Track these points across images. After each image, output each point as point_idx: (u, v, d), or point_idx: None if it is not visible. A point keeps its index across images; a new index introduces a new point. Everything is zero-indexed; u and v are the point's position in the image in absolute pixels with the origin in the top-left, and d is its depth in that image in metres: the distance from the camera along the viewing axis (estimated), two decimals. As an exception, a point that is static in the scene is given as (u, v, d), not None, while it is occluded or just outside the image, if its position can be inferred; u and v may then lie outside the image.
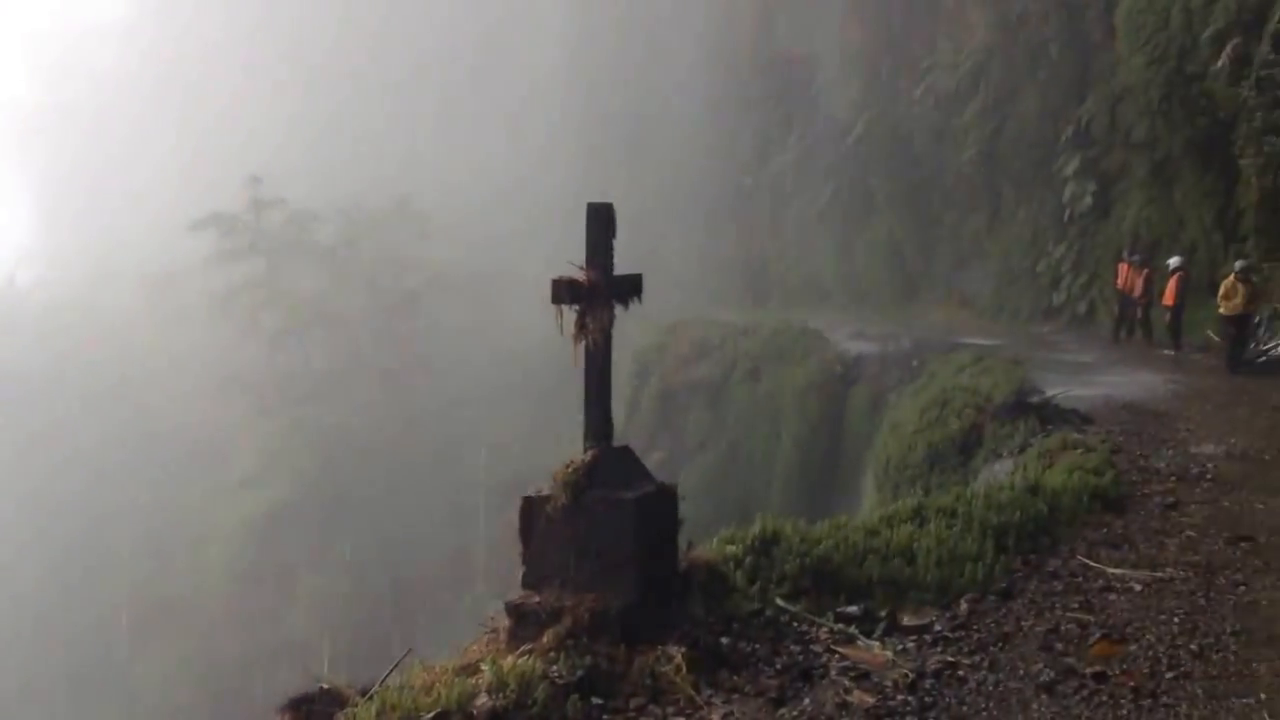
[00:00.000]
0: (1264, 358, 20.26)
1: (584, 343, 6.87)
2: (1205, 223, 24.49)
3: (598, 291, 6.79)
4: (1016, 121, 32.96)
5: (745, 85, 49.25)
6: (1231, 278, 20.13)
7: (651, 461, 32.67)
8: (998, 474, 13.26)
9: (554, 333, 6.88)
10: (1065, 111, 30.80)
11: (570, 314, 6.84)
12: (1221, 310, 20.23)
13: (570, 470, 6.76)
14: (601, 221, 6.85)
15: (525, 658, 6.27)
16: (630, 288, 7.01)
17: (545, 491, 6.84)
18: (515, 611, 6.70)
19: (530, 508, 6.86)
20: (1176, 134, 24.34)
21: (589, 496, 6.69)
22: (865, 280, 43.25)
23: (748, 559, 7.86)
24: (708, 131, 51.23)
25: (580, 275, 6.79)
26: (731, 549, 7.98)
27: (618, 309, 6.94)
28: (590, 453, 6.87)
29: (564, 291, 6.76)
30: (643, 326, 43.13)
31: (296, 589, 48.36)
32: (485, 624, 7.14)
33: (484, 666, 6.25)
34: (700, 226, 51.91)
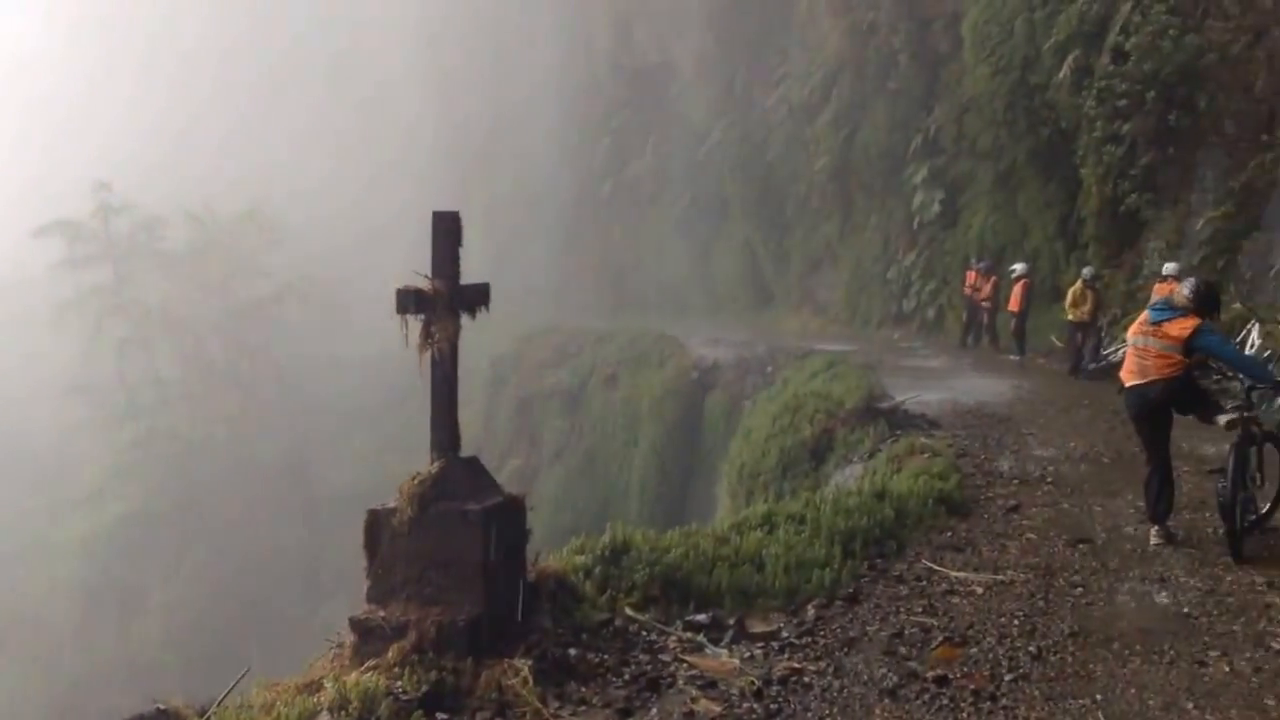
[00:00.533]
0: (1104, 363, 20.74)
1: (430, 353, 6.70)
2: (1048, 231, 25.09)
3: (443, 301, 6.61)
4: (867, 131, 33.43)
5: (602, 92, 49.30)
6: (1080, 284, 20.52)
7: (508, 470, 32.44)
8: (848, 479, 13.27)
9: (408, 341, 6.71)
10: (914, 121, 31.33)
11: (416, 324, 6.67)
12: (1070, 317, 20.65)
13: (416, 482, 6.61)
14: (447, 230, 6.67)
15: (369, 674, 6.15)
16: (478, 297, 6.85)
17: (391, 504, 6.64)
18: (360, 627, 6.53)
19: (376, 521, 6.66)
20: (1020, 144, 24.86)
21: (436, 509, 6.52)
22: (722, 287, 43.53)
23: (597, 569, 7.78)
24: (565, 138, 51.12)
25: (426, 285, 6.61)
26: (581, 559, 7.87)
27: (465, 319, 6.78)
28: (437, 464, 6.70)
29: (409, 301, 6.59)
30: (499, 334, 42.75)
31: (146, 604, 46.64)
32: (331, 640, 6.94)
33: (327, 684, 6.11)
34: (557, 234, 51.70)
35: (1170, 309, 9.23)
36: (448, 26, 59.88)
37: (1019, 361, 23.06)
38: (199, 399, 53.81)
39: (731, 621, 7.46)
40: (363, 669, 6.24)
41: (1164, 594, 7.87)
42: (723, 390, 28.80)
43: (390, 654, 6.28)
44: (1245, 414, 9.26)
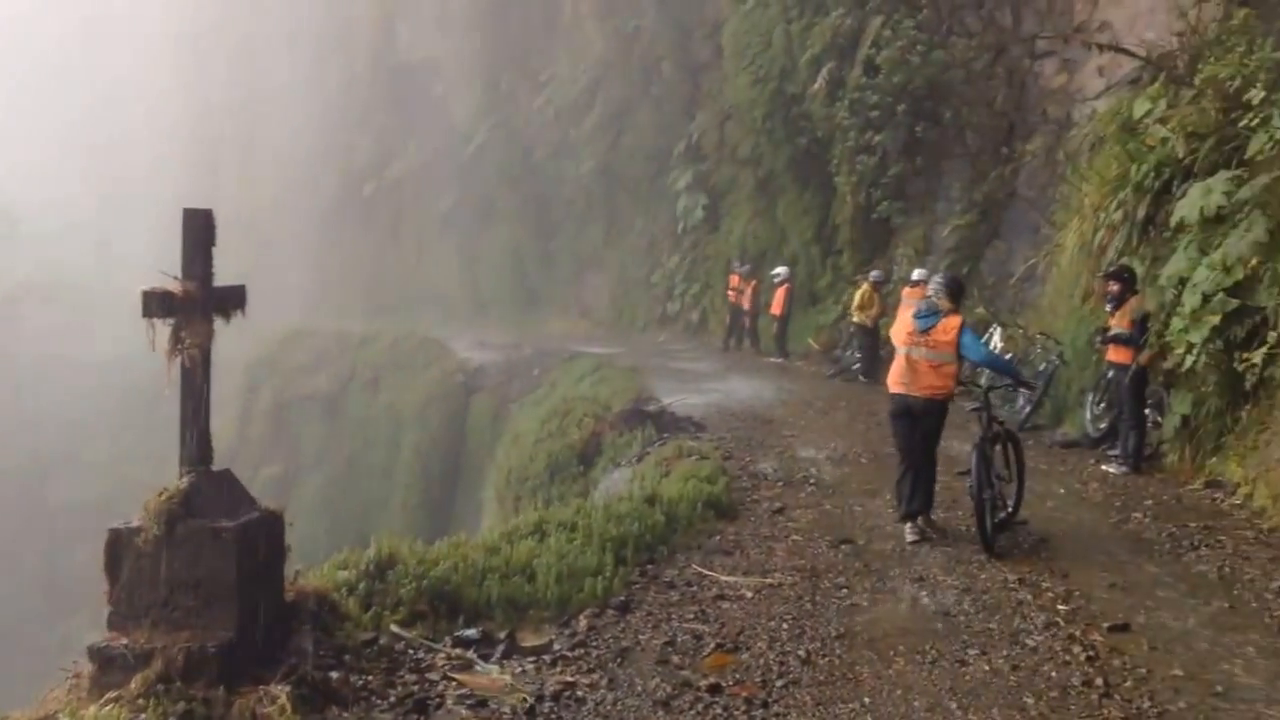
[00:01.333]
0: (857, 364, 21.39)
1: (179, 360, 6.17)
2: (805, 236, 25.81)
3: (194, 304, 6.11)
4: (632, 135, 33.75)
5: (365, 91, 48.16)
6: (868, 287, 20.46)
7: (263, 478, 31.07)
8: (617, 483, 13.24)
9: (155, 346, 6.14)
10: (678, 127, 31.81)
11: (165, 328, 6.12)
12: (856, 319, 20.65)
13: (164, 499, 6.04)
14: (198, 229, 6.16)
15: (109, 707, 5.63)
16: (232, 299, 6.38)
17: (135, 523, 6.06)
18: (99, 656, 5.93)
19: (118, 541, 6.06)
20: (779, 151, 25.48)
21: (184, 527, 6.00)
22: (488, 290, 43.18)
23: (361, 585, 7.40)
24: (325, 137, 49.81)
25: (175, 286, 6.09)
26: (345, 575, 7.48)
27: (219, 322, 6.30)
28: (186, 478, 6.16)
29: (156, 304, 6.04)
30: (255, 338, 41.16)
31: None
32: (67, 670, 6.30)
33: (62, 718, 5.64)
34: (318, 234, 50.27)
35: (933, 313, 9.46)
36: (206, 27, 57.47)
37: (781, 364, 23.60)
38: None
39: (503, 635, 7.24)
40: (102, 702, 5.73)
41: (924, 593, 8.09)
42: (489, 394, 28.53)
43: (133, 685, 5.77)
44: (984, 412, 9.67)
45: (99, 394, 47.72)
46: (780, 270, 24.41)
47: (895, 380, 9.63)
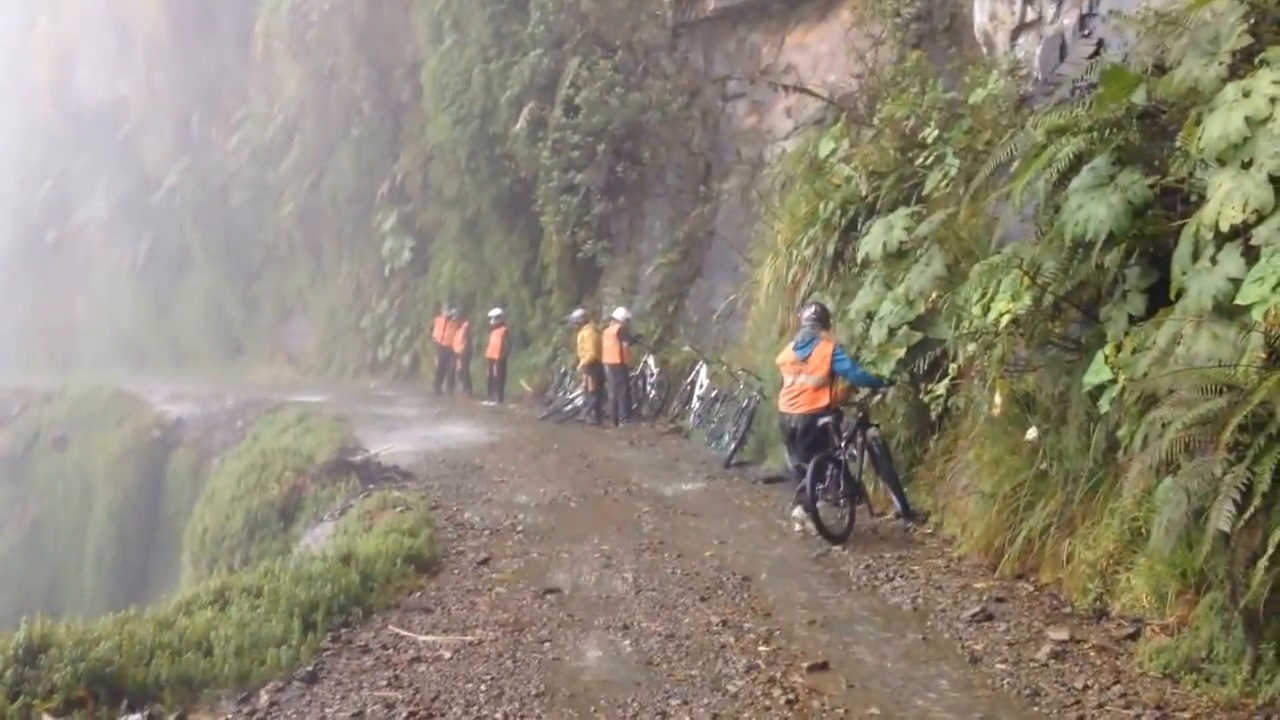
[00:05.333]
0: (570, 405, 21.39)
1: None
2: (514, 277, 25.68)
3: None
4: (334, 176, 32.82)
5: (43, 133, 45.12)
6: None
7: (-72, 550, 27.99)
8: (318, 538, 12.61)
9: None
10: (381, 168, 31.11)
11: None
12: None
13: None
14: None
15: None
16: None
17: None
18: None
19: None
20: (484, 192, 25.27)
21: None
22: (186, 338, 41.17)
23: (9, 672, 6.53)
24: (2, 184, 46.38)
25: None
26: None
27: None
28: None
29: None
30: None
31: None
32: None
33: None
34: (-1, 286, 46.72)
35: (809, 341, 10.88)
36: None
37: (494, 406, 23.33)
38: None
39: (172, 718, 6.58)
40: None
41: (627, 642, 7.91)
42: (188, 448, 27.12)
43: None
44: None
45: None
46: (496, 311, 24.18)
47: (784, 403, 11.11)
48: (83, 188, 43.78)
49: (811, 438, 10.87)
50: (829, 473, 10.88)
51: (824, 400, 10.82)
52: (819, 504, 10.64)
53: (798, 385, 10.93)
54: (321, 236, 34.24)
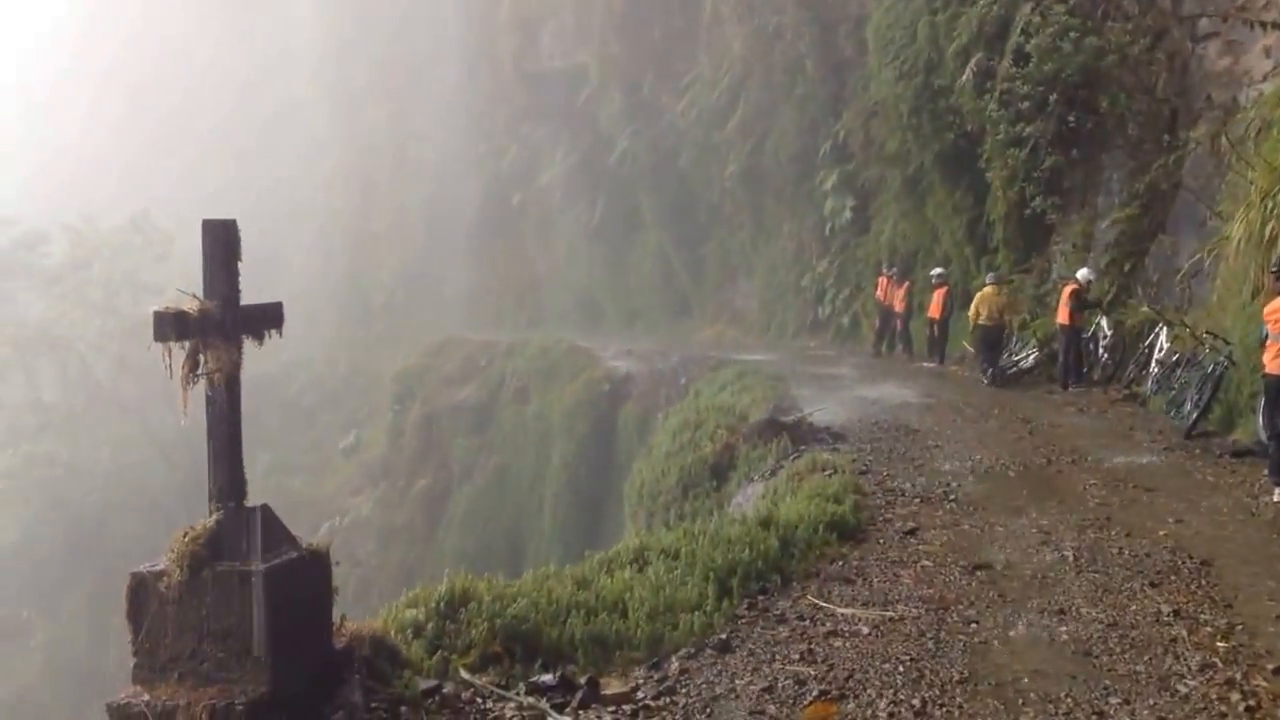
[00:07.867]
0: (1014, 369, 20.43)
1: (201, 387, 5.64)
2: (957, 236, 24.73)
3: (214, 325, 5.54)
4: (776, 137, 32.97)
5: (510, 100, 48.28)
6: (989, 288, 20.25)
7: (416, 491, 31.32)
8: (749, 499, 12.67)
9: (171, 372, 5.58)
10: (823, 127, 30.93)
11: (181, 352, 5.53)
12: (983, 320, 20.21)
13: (188, 539, 5.48)
14: (220, 242, 5.63)
15: None
16: (264, 319, 5.83)
17: (159, 565, 5.55)
18: (119, 714, 5.39)
19: (140, 586, 5.54)
20: (927, 148, 24.46)
21: (211, 570, 5.46)
22: (637, 298, 42.89)
23: (430, 625, 6.76)
24: (472, 149, 50.19)
25: (192, 306, 5.54)
26: (413, 613, 6.86)
27: (250, 343, 5.75)
28: (213, 517, 5.60)
29: (169, 326, 5.44)
30: (405, 349, 41.68)
31: (31, 640, 44.86)
32: None
33: None
34: (467, 245, 50.64)
35: None
36: (354, 43, 58.46)
37: (936, 369, 22.66)
38: (85, 423, 51.78)
39: (583, 681, 6.50)
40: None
41: (1063, 628, 7.28)
42: (636, 403, 28.16)
43: (154, 746, 5.23)
44: None
45: (262, 409, 48.91)
46: (938, 270, 23.47)
47: (1271, 362, 10.65)
48: (544, 152, 46.48)
49: None
50: None
51: None
52: None
53: None
54: (764, 196, 34.52)
